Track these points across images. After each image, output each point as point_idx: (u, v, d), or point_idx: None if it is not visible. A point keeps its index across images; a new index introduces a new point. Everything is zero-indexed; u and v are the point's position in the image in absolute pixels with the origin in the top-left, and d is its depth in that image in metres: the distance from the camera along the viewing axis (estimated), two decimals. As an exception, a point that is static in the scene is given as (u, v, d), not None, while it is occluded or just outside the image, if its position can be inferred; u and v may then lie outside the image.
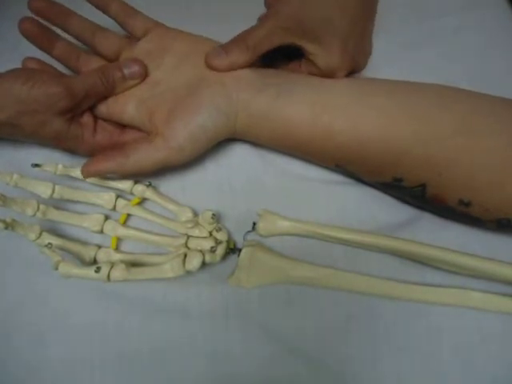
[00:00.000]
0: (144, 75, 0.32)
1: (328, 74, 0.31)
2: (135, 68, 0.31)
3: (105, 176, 0.32)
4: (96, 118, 0.33)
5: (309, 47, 0.29)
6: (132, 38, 0.34)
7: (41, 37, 0.33)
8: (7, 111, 0.28)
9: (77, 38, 0.33)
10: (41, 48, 0.33)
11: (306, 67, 0.31)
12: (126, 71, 0.31)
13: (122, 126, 0.33)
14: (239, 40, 0.30)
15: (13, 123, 0.29)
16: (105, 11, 0.33)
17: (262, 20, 0.29)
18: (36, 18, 0.32)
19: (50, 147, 0.35)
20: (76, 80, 0.30)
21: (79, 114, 0.31)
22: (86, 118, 0.32)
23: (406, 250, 0.31)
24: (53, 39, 0.33)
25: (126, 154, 0.30)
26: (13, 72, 0.29)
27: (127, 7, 0.33)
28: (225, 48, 0.30)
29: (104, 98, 0.32)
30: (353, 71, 0.32)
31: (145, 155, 0.30)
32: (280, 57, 0.33)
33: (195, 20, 0.39)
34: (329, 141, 0.30)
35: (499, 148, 0.26)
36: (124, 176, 0.33)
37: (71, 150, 0.33)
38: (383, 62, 0.36)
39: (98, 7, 0.33)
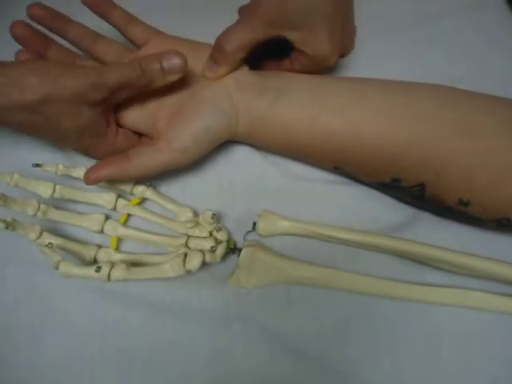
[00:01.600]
0: (185, 70, 0.28)
1: (319, 62, 0.30)
2: (176, 61, 0.28)
3: (108, 181, 0.32)
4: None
5: (295, 36, 0.28)
6: (133, 45, 0.34)
7: (34, 41, 0.32)
8: (37, 92, 0.26)
9: (76, 44, 0.33)
10: (34, 52, 0.32)
11: (297, 60, 0.31)
12: (165, 64, 0.28)
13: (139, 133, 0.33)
14: (223, 43, 0.29)
15: (36, 109, 0.26)
16: (107, 19, 0.33)
17: (244, 16, 0.29)
18: (30, 22, 0.32)
19: (50, 147, 0.35)
20: (110, 70, 0.28)
21: (108, 111, 0.30)
22: (112, 118, 0.31)
23: (405, 250, 0.31)
24: (47, 43, 0.32)
25: (129, 158, 0.29)
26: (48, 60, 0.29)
27: (129, 15, 0.33)
28: (214, 59, 0.30)
29: (141, 92, 0.30)
30: (341, 55, 0.31)
31: (148, 158, 0.29)
32: (273, 58, 0.33)
33: (195, 23, 0.39)
34: (327, 142, 0.30)
35: (499, 148, 0.26)
36: (127, 180, 0.33)
37: (87, 149, 0.31)
38: (383, 63, 0.36)
39: (99, 15, 0.33)
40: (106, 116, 0.30)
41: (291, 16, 0.27)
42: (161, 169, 0.30)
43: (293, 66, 0.31)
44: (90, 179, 0.29)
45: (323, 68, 0.31)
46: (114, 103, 0.30)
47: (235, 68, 0.30)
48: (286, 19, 0.27)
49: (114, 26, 0.33)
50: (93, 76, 0.27)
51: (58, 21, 0.32)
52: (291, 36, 0.28)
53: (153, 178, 0.33)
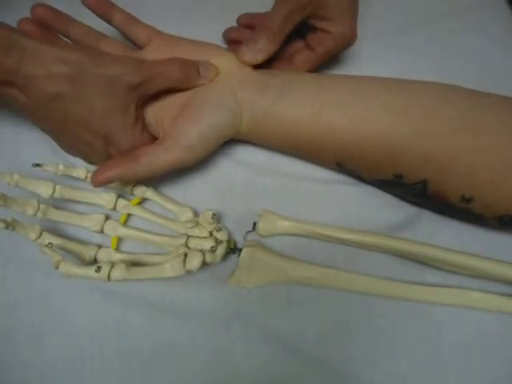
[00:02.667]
0: (214, 79, 0.31)
1: (342, 44, 0.33)
2: (211, 72, 0.31)
3: (115, 183, 0.31)
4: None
5: (327, 13, 0.31)
6: (134, 45, 0.34)
7: (42, 37, 0.32)
8: (76, 63, 0.27)
9: (79, 44, 0.33)
10: None
11: (321, 43, 0.33)
12: (202, 71, 0.31)
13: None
14: (264, 28, 0.31)
15: (72, 79, 0.27)
16: (109, 21, 0.33)
17: (279, 1, 0.31)
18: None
19: (49, 147, 0.35)
20: (149, 60, 0.30)
21: (138, 101, 0.30)
22: (141, 113, 0.31)
23: (406, 249, 0.31)
24: (54, 39, 0.33)
25: (137, 158, 0.29)
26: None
27: (130, 17, 0.33)
28: (254, 41, 0.31)
29: (175, 88, 0.31)
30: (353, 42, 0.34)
31: (156, 157, 0.29)
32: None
33: (195, 22, 0.39)
34: (329, 139, 0.30)
35: (500, 146, 0.26)
36: (135, 181, 0.32)
37: (111, 136, 0.30)
38: (383, 63, 0.37)
39: (102, 17, 0.33)
40: (136, 107, 0.30)
41: None
42: (168, 167, 0.30)
43: (314, 50, 0.34)
44: (96, 181, 0.29)
45: (342, 50, 0.34)
46: (145, 94, 0.30)
47: (274, 51, 0.31)
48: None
49: (116, 27, 0.33)
50: (135, 60, 0.28)
51: (62, 21, 0.32)
52: (324, 13, 0.31)
53: (157, 179, 0.33)
